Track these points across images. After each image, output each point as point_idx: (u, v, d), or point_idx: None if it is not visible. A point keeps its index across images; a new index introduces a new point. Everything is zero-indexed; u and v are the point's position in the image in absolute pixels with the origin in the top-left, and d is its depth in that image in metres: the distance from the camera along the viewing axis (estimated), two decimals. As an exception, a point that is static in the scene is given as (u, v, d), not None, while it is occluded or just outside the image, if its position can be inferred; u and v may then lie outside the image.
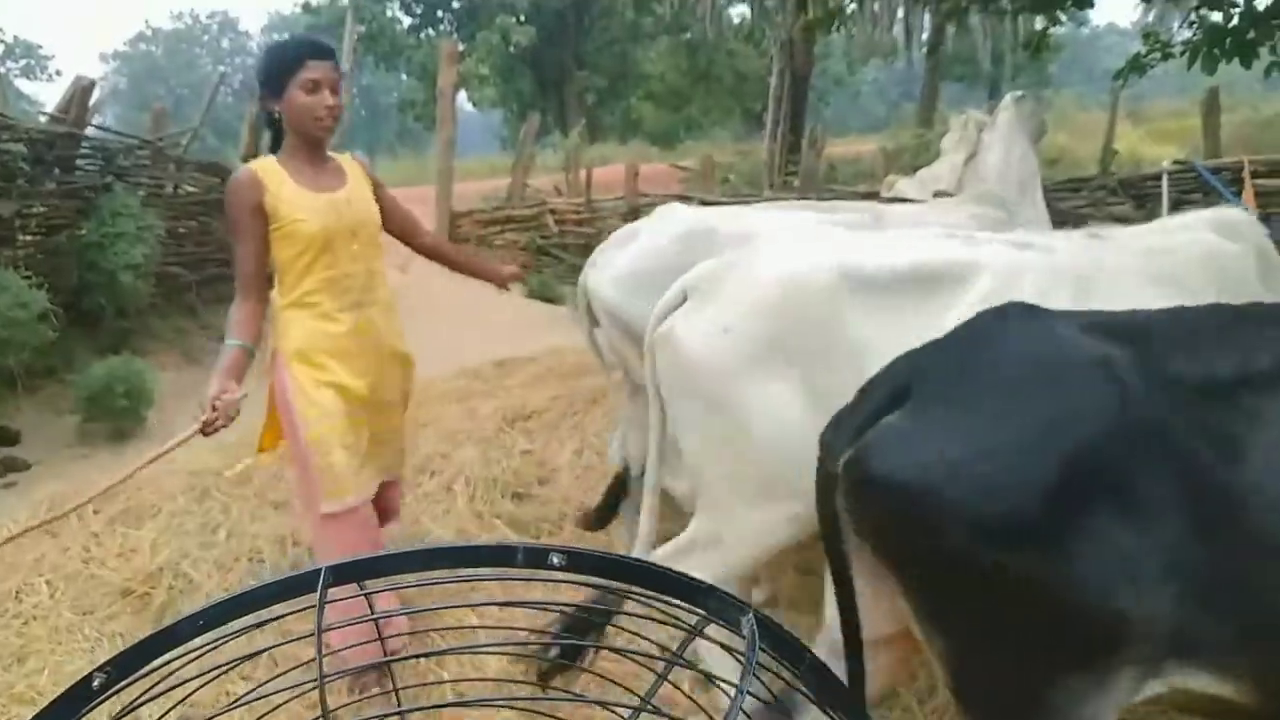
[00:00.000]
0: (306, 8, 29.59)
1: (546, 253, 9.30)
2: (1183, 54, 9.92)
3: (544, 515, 3.78)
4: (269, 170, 2.56)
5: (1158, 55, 10.19)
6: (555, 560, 0.82)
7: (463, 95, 31.22)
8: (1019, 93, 7.34)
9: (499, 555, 0.83)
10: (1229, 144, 8.35)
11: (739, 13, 28.11)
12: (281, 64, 2.55)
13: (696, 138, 34.73)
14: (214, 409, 2.31)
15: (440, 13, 31.08)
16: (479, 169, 19.99)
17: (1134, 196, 7.15)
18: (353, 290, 2.65)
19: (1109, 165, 7.82)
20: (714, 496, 2.12)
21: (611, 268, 2.94)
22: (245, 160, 7.57)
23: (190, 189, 8.11)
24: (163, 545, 3.58)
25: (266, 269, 2.60)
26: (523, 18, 28.29)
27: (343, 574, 0.79)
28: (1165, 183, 6.75)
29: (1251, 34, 9.40)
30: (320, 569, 0.78)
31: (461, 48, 26.47)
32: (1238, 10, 9.59)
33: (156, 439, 5.11)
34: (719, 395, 2.02)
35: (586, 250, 9.06)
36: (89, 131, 6.84)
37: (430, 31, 30.60)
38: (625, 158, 24.46)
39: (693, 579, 0.85)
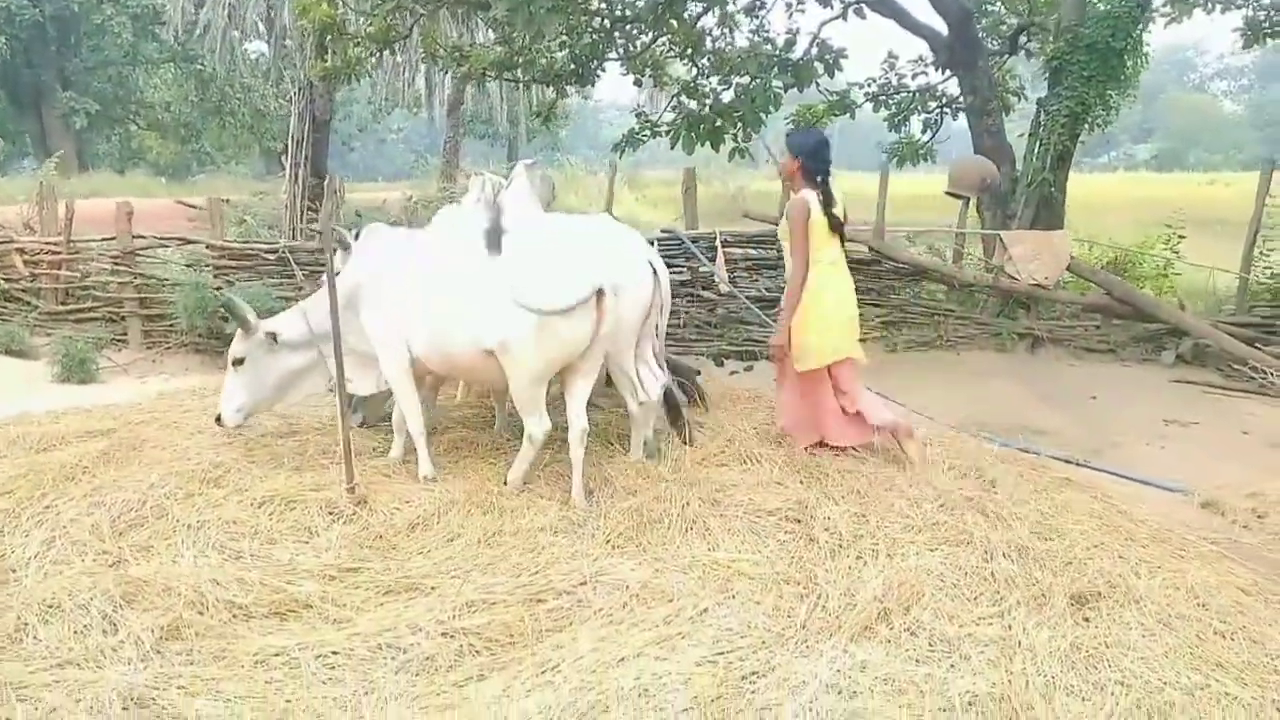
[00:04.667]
0: None
1: (14, 299, 7.87)
2: (668, 133, 11.41)
3: (-3, 628, 3.13)
4: None
5: (648, 133, 11.62)
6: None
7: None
8: (530, 160, 7.84)
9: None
10: (707, 213, 9.66)
11: (256, 49, 26.71)
12: None
13: (211, 173, 32.15)
14: None
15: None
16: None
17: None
18: None
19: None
20: None
21: None
22: None
23: None
24: None
25: None
26: (-11, 25, 24.08)
27: None
28: (656, 248, 7.60)
29: (719, 122, 11.11)
30: None
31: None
32: (709, 101, 11.28)
33: None
34: None
35: (66, 296, 7.89)
36: None
37: None
38: (125, 189, 21.79)
39: None
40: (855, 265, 8.26)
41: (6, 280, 7.88)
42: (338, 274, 4.83)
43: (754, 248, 8.25)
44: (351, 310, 4.72)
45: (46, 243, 7.97)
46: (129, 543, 3.77)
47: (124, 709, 2.70)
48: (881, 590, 3.46)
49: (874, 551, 3.85)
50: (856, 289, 8.17)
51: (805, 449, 4.95)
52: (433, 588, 3.55)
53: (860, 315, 8.16)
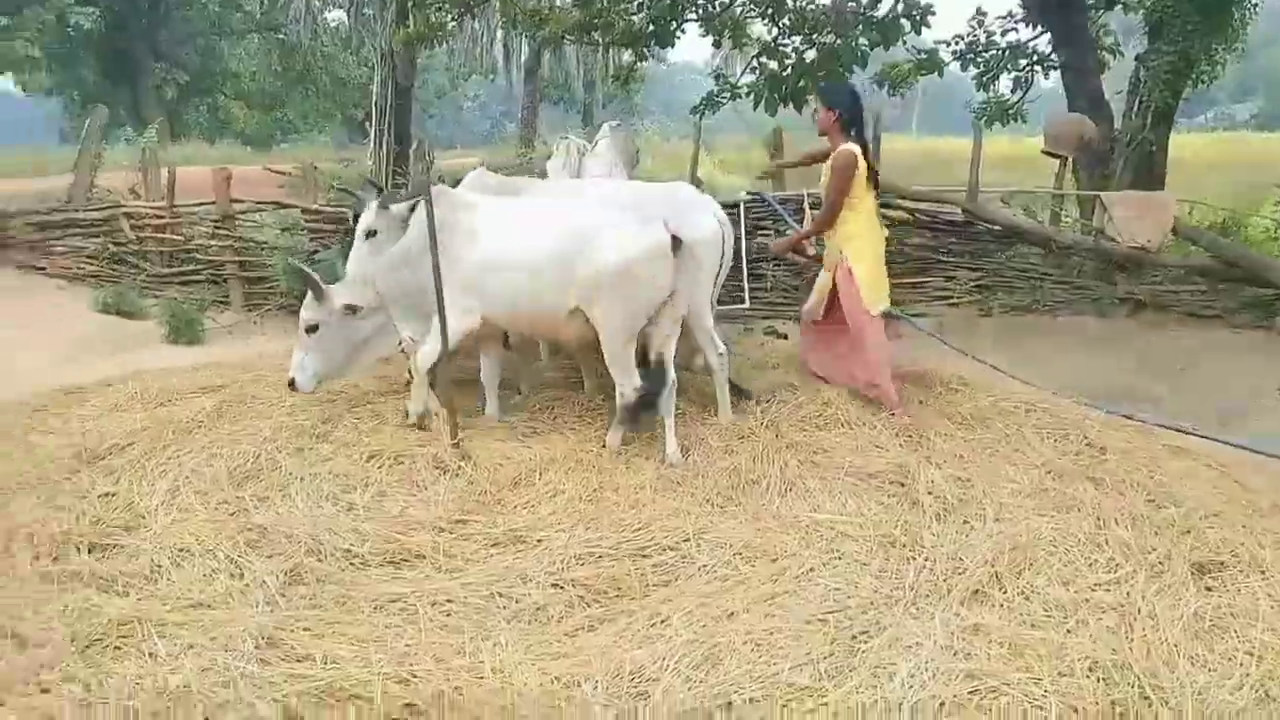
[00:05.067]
0: None
1: (122, 261, 8.18)
2: (748, 95, 11.25)
3: (134, 569, 3.28)
4: None
5: (728, 94, 11.47)
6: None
7: (8, 79, 26.84)
8: (615, 122, 7.76)
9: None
10: (791, 174, 9.51)
11: (336, 18, 27.02)
12: None
13: (294, 141, 32.76)
14: None
15: (-26, -20, 26.33)
16: (32, 163, 17.19)
17: (716, 221, 7.93)
18: None
19: (694, 192, 8.61)
20: None
21: None
22: None
23: None
24: None
25: None
26: (83, -3, 24.74)
27: None
28: (741, 210, 7.53)
29: (801, 82, 10.91)
30: None
31: (3, 23, 22.65)
32: (790, 62, 11.07)
33: None
34: None
35: (171, 259, 8.15)
36: None
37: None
38: (214, 159, 22.38)
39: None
40: (948, 227, 8.13)
41: (116, 244, 8.17)
42: (373, 233, 4.95)
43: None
44: (411, 270, 4.74)
45: (151, 207, 8.24)
46: (247, 492, 3.91)
47: (256, 648, 2.81)
48: (991, 554, 3.41)
49: (980, 516, 3.79)
50: (949, 251, 8.14)
51: (904, 413, 4.89)
52: (538, 541, 3.61)
53: (953, 278, 8.15)
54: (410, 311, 4.81)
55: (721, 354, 4.96)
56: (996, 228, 8.09)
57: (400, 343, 5.05)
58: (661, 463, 4.35)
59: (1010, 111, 11.00)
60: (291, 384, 4.87)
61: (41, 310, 7.41)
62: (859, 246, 5.10)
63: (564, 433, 4.77)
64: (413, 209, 5.11)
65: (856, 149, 5.02)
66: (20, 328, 6.88)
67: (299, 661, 2.78)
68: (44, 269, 8.23)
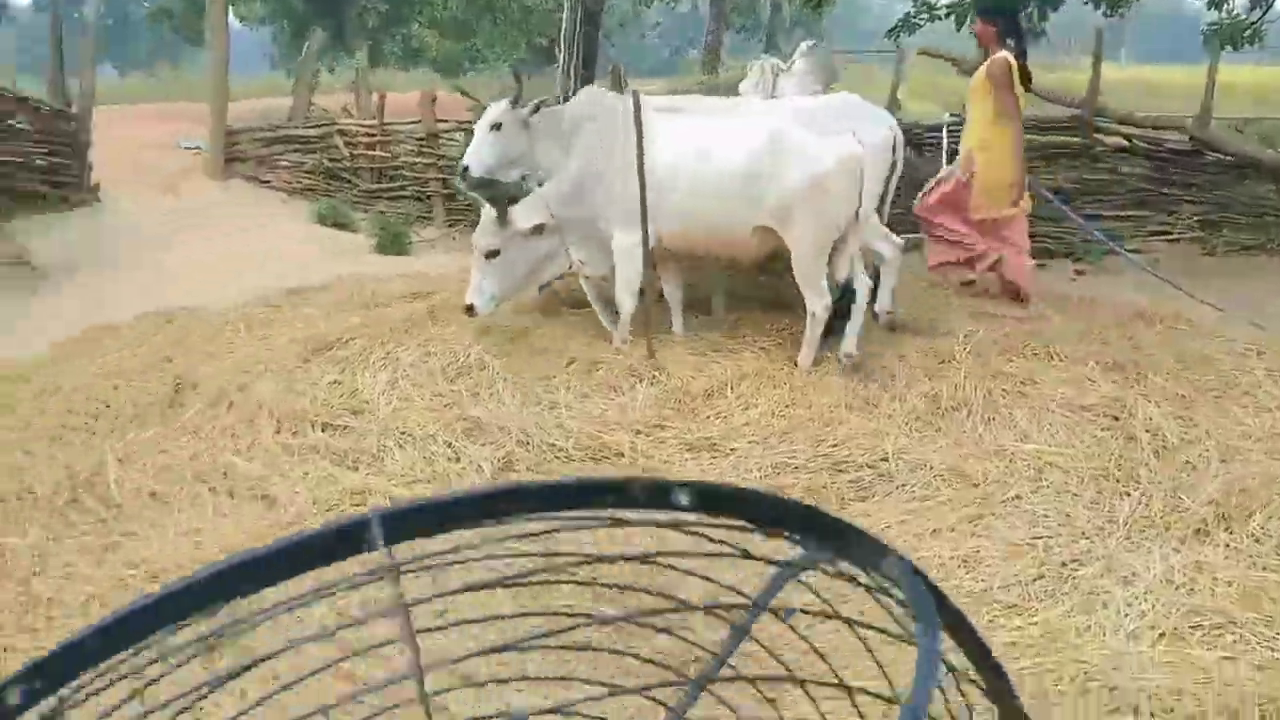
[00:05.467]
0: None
1: (336, 176, 8.72)
2: (948, 15, 10.66)
3: (362, 447, 3.55)
4: None
5: (925, 16, 10.90)
6: (683, 499, 0.64)
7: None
8: (812, 41, 7.53)
9: (607, 492, 0.65)
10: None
11: (526, -57, 27.32)
12: None
13: (481, 69, 33.63)
14: None
15: (199, -86, 28.10)
16: (247, 88, 18.46)
17: (914, 145, 7.63)
18: None
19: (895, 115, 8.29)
20: None
21: None
22: None
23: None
24: None
25: None
26: (296, -70, 26.06)
27: (396, 524, 0.62)
28: (944, 134, 7.21)
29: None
30: (369, 518, 0.62)
31: (224, -46, 24.13)
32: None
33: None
34: None
35: (380, 176, 8.62)
36: None
37: (188, -65, 27.60)
38: (410, 85, 23.37)
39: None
40: (1171, 156, 7.51)
41: (331, 161, 8.70)
42: (498, 126, 4.95)
43: (1052, 132, 7.63)
44: (578, 198, 4.73)
45: (363, 126, 8.72)
46: (460, 387, 4.14)
47: (475, 526, 3.00)
48: (1218, 494, 3.20)
49: (1204, 458, 3.56)
50: (1172, 183, 7.54)
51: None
52: (733, 450, 3.67)
53: (1174, 213, 7.55)
54: (580, 236, 4.82)
55: (897, 243, 5.04)
56: (1228, 158, 7.41)
57: (570, 265, 5.05)
58: (838, 362, 4.34)
59: (1246, 33, 9.93)
60: (469, 309, 4.66)
61: (267, 220, 8.02)
62: (988, 155, 5.58)
63: (754, 350, 4.77)
64: (535, 110, 5.03)
65: (1010, 55, 5.49)
66: (249, 235, 7.47)
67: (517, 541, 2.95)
68: (268, 182, 8.88)
